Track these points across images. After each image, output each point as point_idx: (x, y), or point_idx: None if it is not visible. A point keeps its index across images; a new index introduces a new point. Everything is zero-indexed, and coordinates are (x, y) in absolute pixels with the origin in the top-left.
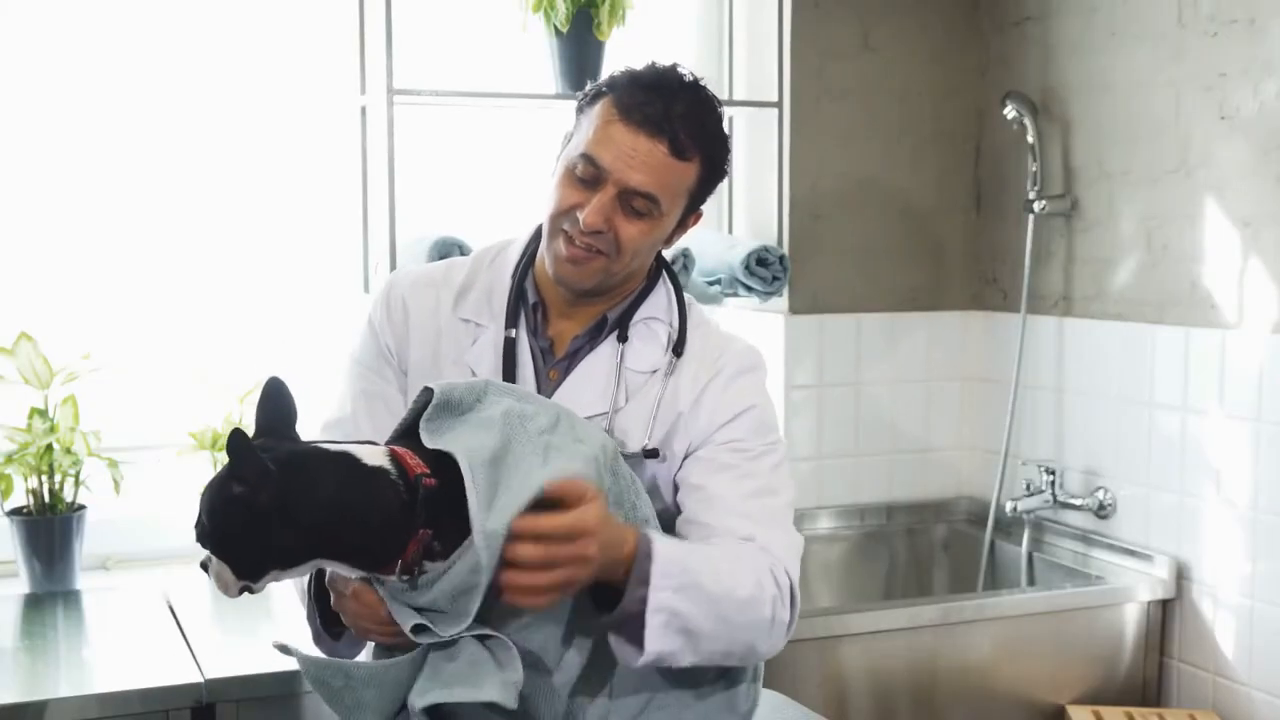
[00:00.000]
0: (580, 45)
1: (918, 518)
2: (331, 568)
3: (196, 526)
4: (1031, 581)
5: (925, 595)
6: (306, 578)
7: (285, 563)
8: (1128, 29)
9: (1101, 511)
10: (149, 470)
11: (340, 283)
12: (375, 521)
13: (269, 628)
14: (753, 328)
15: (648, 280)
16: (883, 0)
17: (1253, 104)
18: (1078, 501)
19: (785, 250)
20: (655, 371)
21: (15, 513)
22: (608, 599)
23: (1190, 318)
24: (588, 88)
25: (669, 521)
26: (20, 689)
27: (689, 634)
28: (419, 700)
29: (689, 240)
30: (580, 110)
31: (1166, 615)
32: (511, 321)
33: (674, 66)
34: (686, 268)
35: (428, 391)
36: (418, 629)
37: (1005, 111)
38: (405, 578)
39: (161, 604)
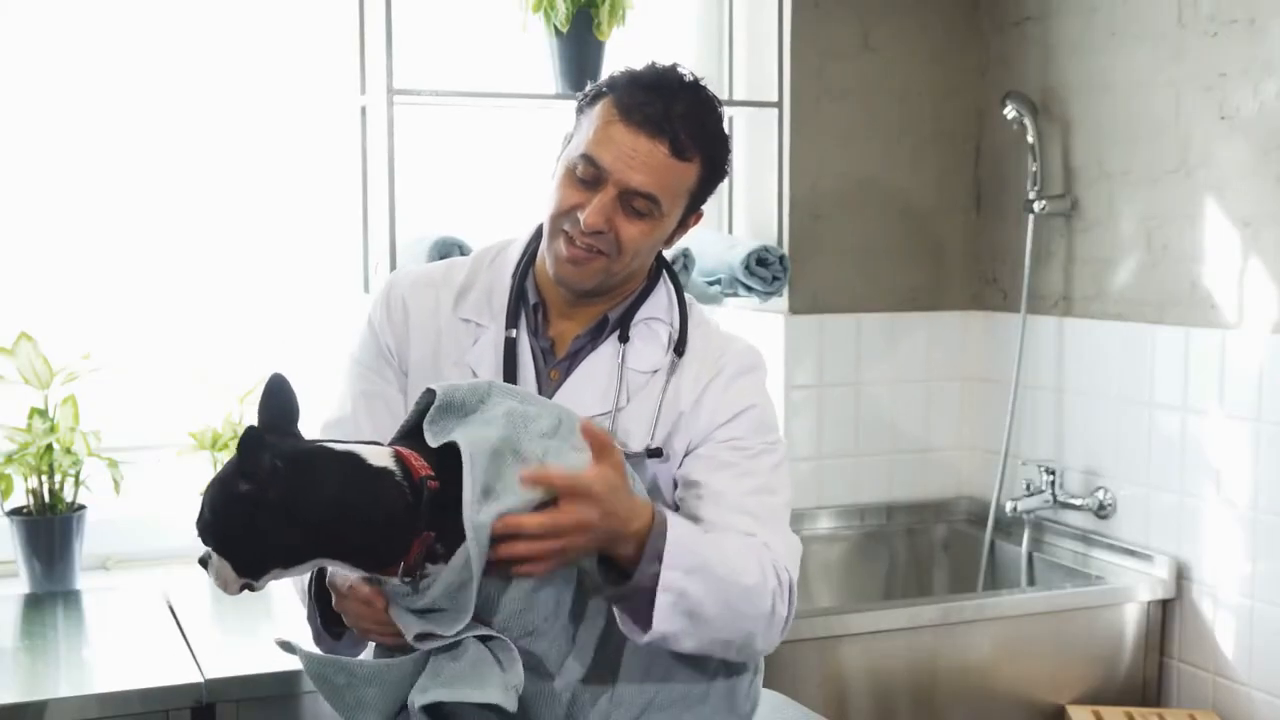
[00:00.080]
0: (580, 45)
1: (918, 518)
2: (334, 567)
3: (198, 522)
4: (1031, 581)
5: (925, 595)
6: (307, 578)
7: (288, 561)
8: (1128, 29)
9: (1101, 511)
10: (149, 470)
11: (340, 283)
12: (380, 522)
13: (269, 627)
14: (753, 328)
15: (648, 280)
16: (883, 0)
17: (1253, 104)
18: (1078, 501)
19: (785, 250)
20: (656, 371)
21: (15, 513)
22: (615, 573)
23: (1190, 318)
24: (588, 88)
25: None
26: (20, 689)
27: (694, 617)
28: (420, 698)
29: (689, 240)
30: (580, 111)
31: (1166, 615)
32: (512, 322)
33: (674, 67)
34: (686, 268)
35: (430, 393)
36: (421, 636)
37: (1005, 111)
38: (407, 580)
39: (161, 604)
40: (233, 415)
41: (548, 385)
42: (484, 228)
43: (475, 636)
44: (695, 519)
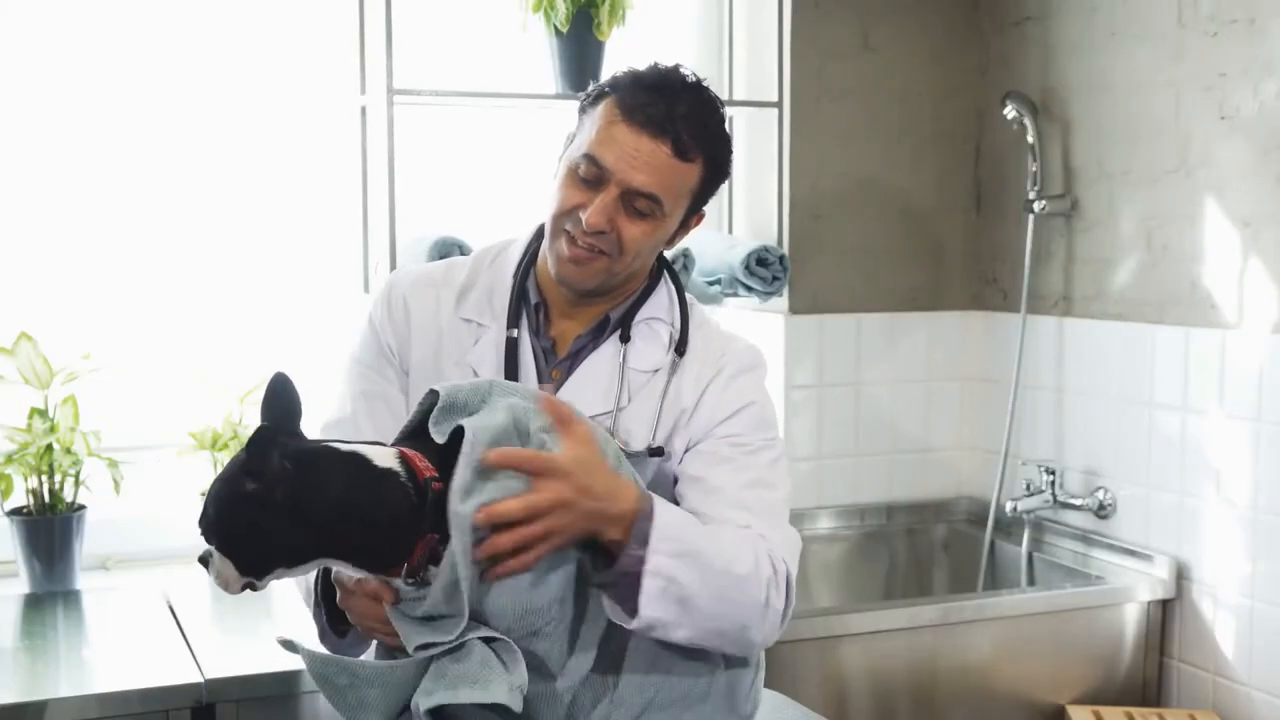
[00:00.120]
0: (580, 45)
1: (918, 518)
2: (337, 567)
3: (201, 520)
4: (1031, 581)
5: (925, 595)
6: (313, 575)
7: (292, 561)
8: (1128, 29)
9: (1101, 511)
10: (149, 470)
11: (340, 283)
12: (385, 523)
13: (269, 627)
14: (753, 328)
15: (649, 280)
16: (883, 0)
17: (1253, 104)
18: (1078, 501)
19: (785, 250)
20: (657, 371)
21: (15, 513)
22: (606, 559)
23: (1190, 318)
24: (590, 88)
25: None
26: (20, 689)
27: (684, 604)
28: (424, 701)
29: (689, 240)
30: (583, 111)
31: (1166, 615)
32: (513, 322)
33: (677, 67)
34: (686, 268)
35: (433, 394)
36: (422, 646)
37: (1005, 111)
38: (411, 581)
39: (161, 604)
40: (233, 415)
41: (549, 385)
42: (484, 228)
43: (478, 638)
44: (694, 513)
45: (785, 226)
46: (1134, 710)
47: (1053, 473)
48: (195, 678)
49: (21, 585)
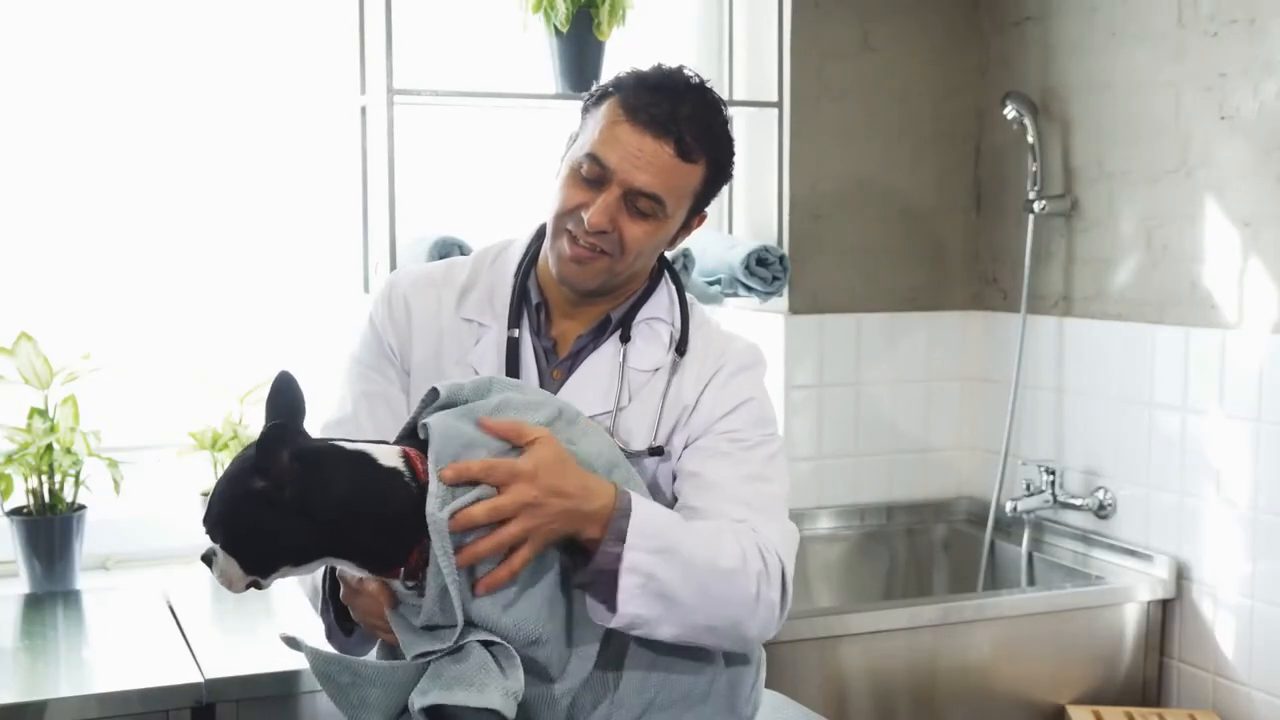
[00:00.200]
0: (580, 45)
1: (918, 518)
2: (341, 566)
3: (206, 518)
4: (1031, 581)
5: (925, 595)
6: (320, 574)
7: (298, 560)
8: (1128, 29)
9: (1101, 511)
10: (149, 470)
11: (340, 283)
12: (388, 522)
13: (269, 627)
14: (753, 328)
15: (650, 280)
16: (883, 0)
17: (1253, 104)
18: (1078, 501)
19: (785, 250)
20: (658, 370)
21: (15, 513)
22: (586, 560)
23: (1190, 318)
24: (593, 88)
25: None
26: (20, 689)
27: (667, 600)
28: (419, 700)
29: (689, 240)
30: (586, 111)
31: (1166, 615)
32: (514, 321)
33: (681, 68)
34: (686, 268)
35: (434, 392)
36: (420, 655)
37: (1005, 111)
38: (410, 585)
39: (161, 604)
40: (233, 415)
41: (550, 385)
42: (484, 228)
43: (478, 641)
44: (691, 508)
45: (785, 226)
46: (1134, 710)
47: (1053, 473)
48: (195, 678)
49: (21, 585)
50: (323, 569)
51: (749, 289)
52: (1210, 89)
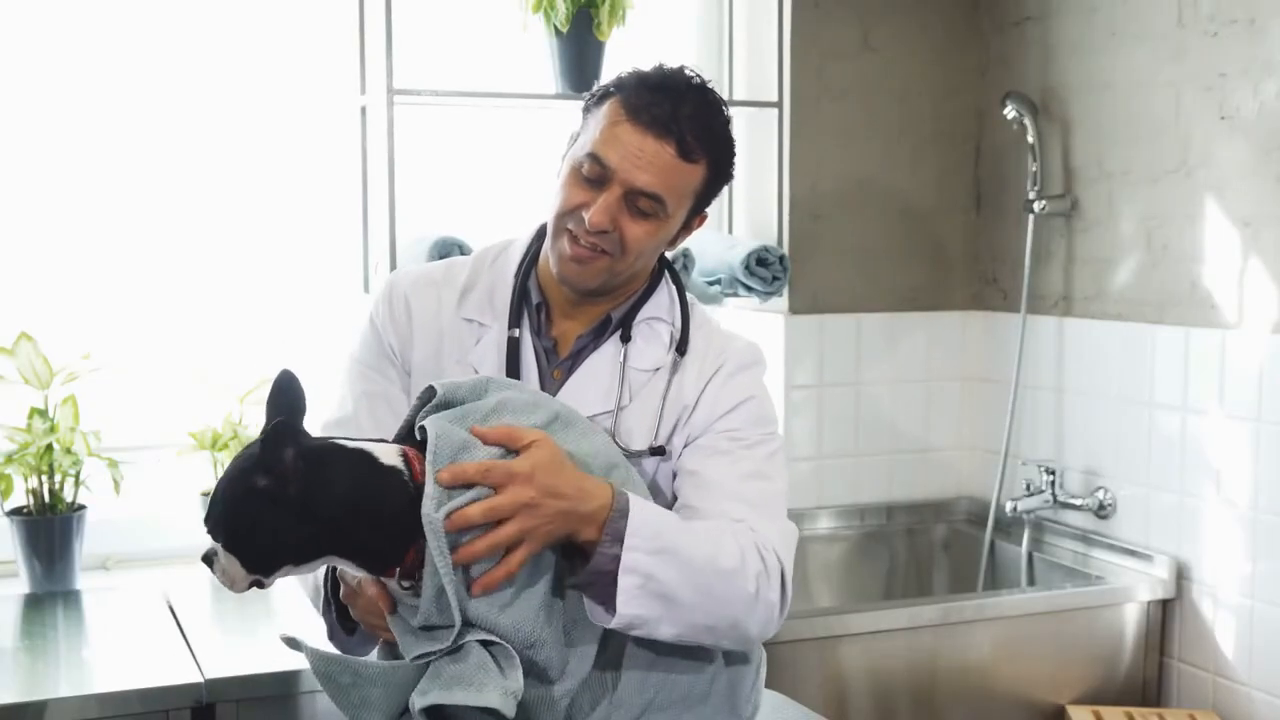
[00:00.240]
0: (580, 45)
1: (918, 518)
2: (341, 565)
3: (208, 517)
4: (1031, 581)
5: (925, 595)
6: (322, 574)
7: (300, 558)
8: (1128, 29)
9: (1101, 511)
10: (149, 470)
11: (340, 283)
12: (386, 521)
13: (269, 627)
14: (753, 328)
15: (650, 280)
16: (883, 0)
17: (1253, 104)
18: (1078, 501)
19: (785, 250)
20: (658, 370)
21: (15, 513)
22: (584, 561)
23: (1190, 318)
24: (595, 88)
25: None
26: (20, 689)
27: (666, 601)
28: (419, 700)
29: (689, 240)
30: (587, 110)
31: (1166, 615)
32: (515, 321)
33: (682, 68)
34: (686, 268)
35: (431, 390)
36: (419, 657)
37: (1005, 111)
38: (406, 585)
39: (161, 604)
40: (233, 415)
41: (551, 385)
42: (484, 228)
43: (477, 641)
44: (690, 506)
45: (785, 226)
46: (1134, 710)
47: (1053, 473)
48: (195, 678)
49: (21, 585)
50: (325, 569)
51: (749, 289)
52: (1210, 89)
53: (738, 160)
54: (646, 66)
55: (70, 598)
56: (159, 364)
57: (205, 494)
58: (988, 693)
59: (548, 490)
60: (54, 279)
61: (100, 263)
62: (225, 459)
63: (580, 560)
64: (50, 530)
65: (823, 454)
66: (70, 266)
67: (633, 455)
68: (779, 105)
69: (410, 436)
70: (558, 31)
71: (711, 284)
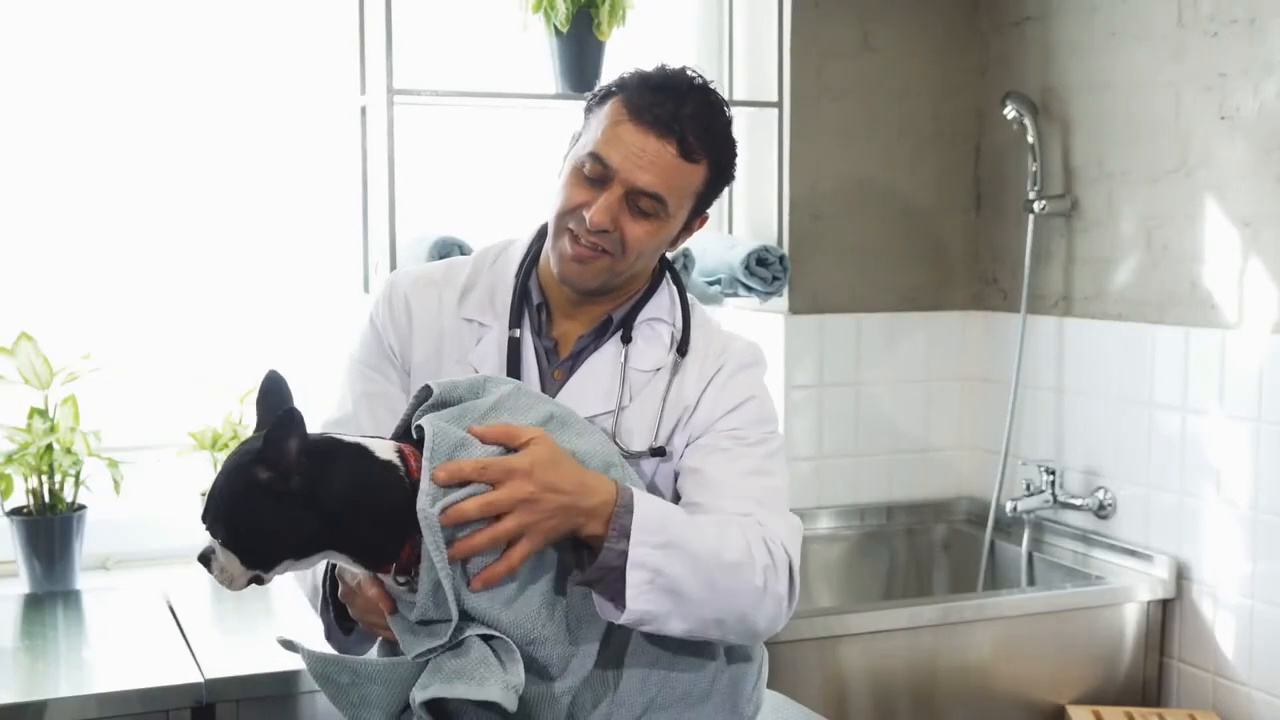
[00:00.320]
0: (580, 45)
1: (918, 518)
2: (339, 561)
3: (205, 513)
4: (1031, 581)
5: (925, 595)
6: (322, 573)
7: (300, 553)
8: (1127, 29)
9: (1101, 511)
10: (149, 470)
11: (340, 283)
12: (383, 516)
13: (269, 627)
14: (753, 328)
15: (651, 281)
16: (883, 0)
17: (1253, 104)
18: (1078, 501)
19: (785, 250)
20: (659, 370)
21: (15, 513)
22: (590, 557)
23: (1190, 318)
24: (597, 88)
25: None
26: (20, 689)
27: (675, 595)
28: (420, 694)
29: (689, 240)
30: (589, 110)
31: (1166, 615)
32: (516, 321)
33: (684, 69)
34: (686, 268)
35: (426, 389)
36: (421, 654)
37: (1005, 111)
38: (402, 581)
39: (161, 604)
40: (233, 415)
41: (551, 385)
42: (484, 228)
43: (478, 635)
44: (694, 504)
45: (785, 226)
46: (1134, 710)
47: (1053, 473)
48: (195, 678)
49: (21, 585)
50: (324, 568)
51: (749, 289)
52: (1210, 89)
53: (738, 160)
54: (649, 67)
55: (70, 598)
56: (159, 364)
57: (205, 494)
58: (988, 693)
59: (546, 485)
60: (54, 279)
61: (100, 263)
62: (225, 459)
63: (588, 556)
64: (50, 530)
65: (823, 454)
66: (70, 266)
67: (632, 456)
68: (779, 105)
69: (407, 435)
70: (558, 31)
71: (711, 284)
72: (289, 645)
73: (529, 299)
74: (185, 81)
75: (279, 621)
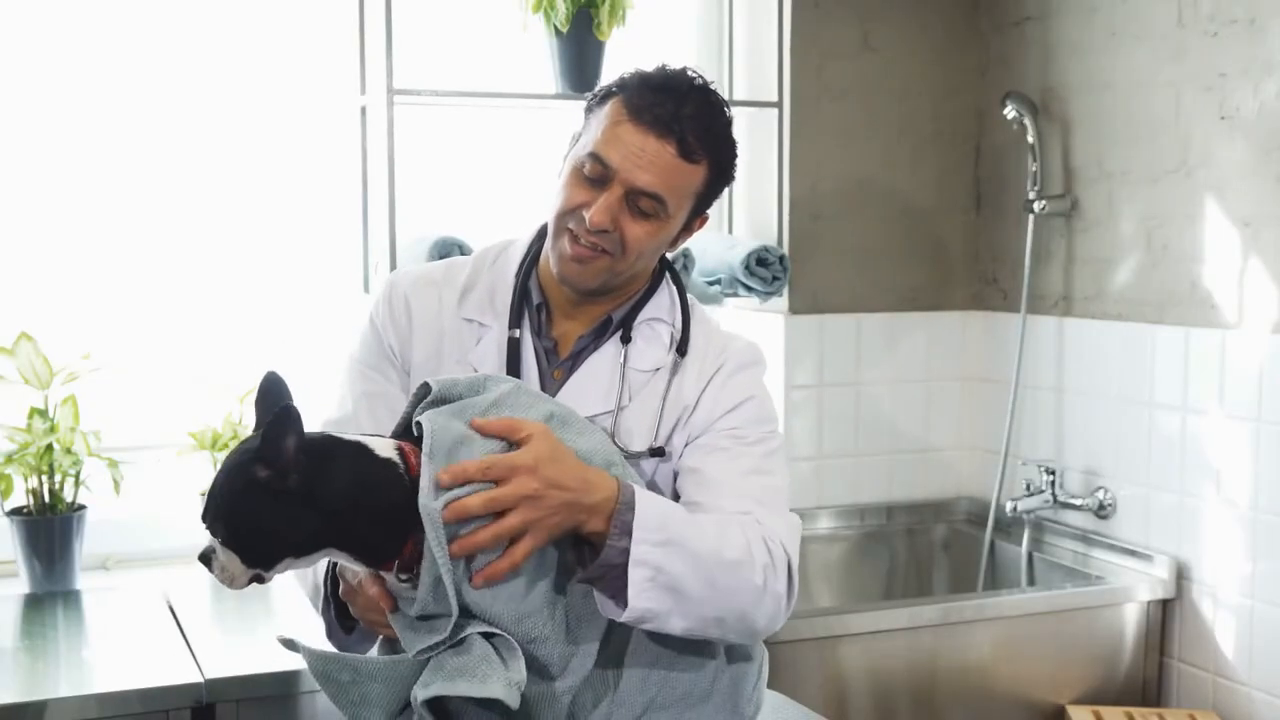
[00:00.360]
0: (580, 45)
1: (918, 518)
2: (340, 559)
3: (205, 512)
4: (1031, 581)
5: (925, 595)
6: (322, 573)
7: (300, 551)
8: (1127, 29)
9: (1101, 511)
10: (149, 470)
11: (340, 283)
12: (384, 514)
13: (269, 627)
14: (753, 328)
15: (651, 281)
16: (883, 0)
17: (1253, 104)
18: (1078, 501)
19: (785, 250)
20: (658, 370)
21: (15, 513)
22: (592, 554)
23: (1190, 318)
24: (597, 88)
25: None
26: (20, 689)
27: (676, 593)
28: (421, 692)
29: (689, 240)
30: (589, 110)
31: (1166, 615)
32: (515, 321)
33: (684, 69)
34: (686, 268)
35: (425, 387)
36: (422, 651)
37: (1005, 111)
38: (404, 578)
39: (161, 604)
40: (233, 415)
41: (551, 385)
42: (484, 228)
43: (479, 633)
44: (693, 503)
45: (785, 226)
46: (1134, 710)
47: (1053, 473)
48: (195, 678)
49: (21, 585)
50: (325, 566)
51: (749, 289)
52: (1210, 89)
53: (738, 161)
54: (649, 67)
55: (70, 598)
56: (159, 364)
57: (205, 494)
58: (988, 693)
59: (551, 482)
60: (54, 279)
61: (100, 263)
62: (224, 458)
63: (590, 554)
64: (50, 530)
65: (823, 454)
66: (70, 266)
67: (632, 456)
68: (779, 105)
69: (407, 433)
70: (558, 31)
71: (711, 284)
72: (289, 644)
73: (529, 299)
74: (185, 82)
75: (279, 621)
